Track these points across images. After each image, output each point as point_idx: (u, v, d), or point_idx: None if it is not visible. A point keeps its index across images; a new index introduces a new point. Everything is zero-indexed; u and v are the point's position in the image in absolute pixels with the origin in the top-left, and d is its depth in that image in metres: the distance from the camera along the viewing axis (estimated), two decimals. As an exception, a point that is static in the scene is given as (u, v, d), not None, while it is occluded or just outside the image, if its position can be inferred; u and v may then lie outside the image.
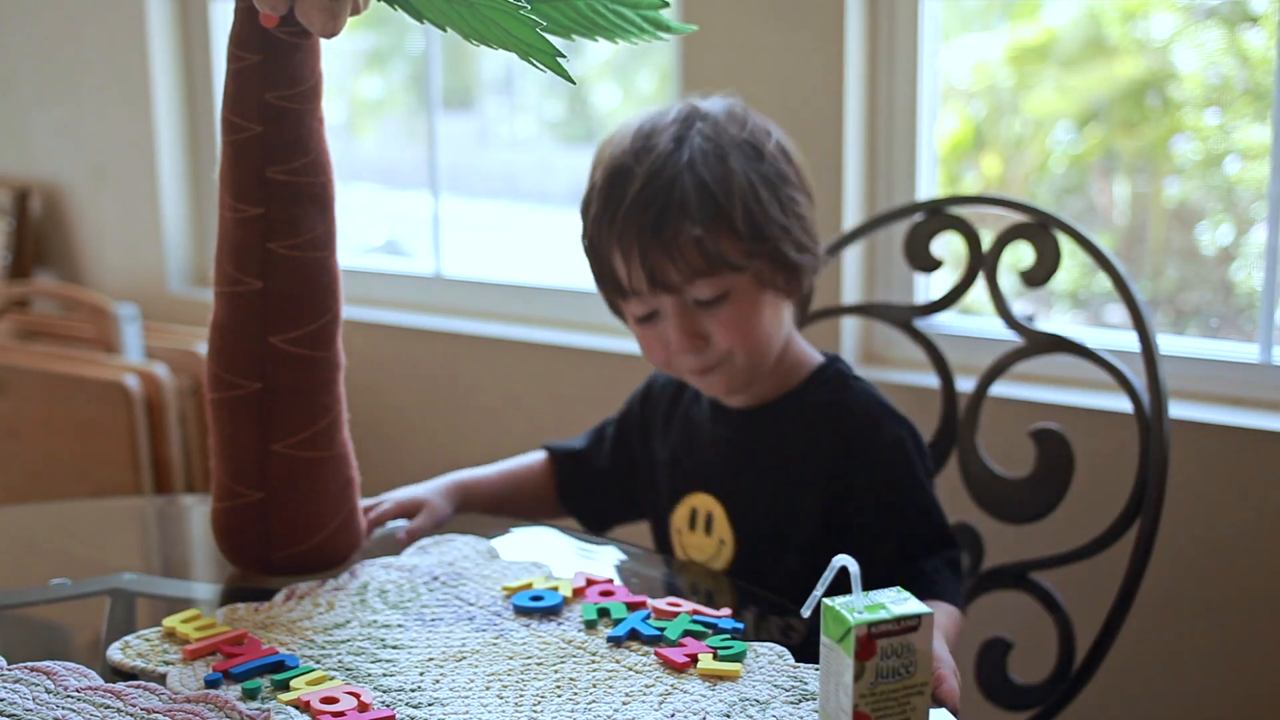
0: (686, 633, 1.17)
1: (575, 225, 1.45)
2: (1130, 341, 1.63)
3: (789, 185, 1.39)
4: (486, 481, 1.56)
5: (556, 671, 1.12)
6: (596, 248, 1.41)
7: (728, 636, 1.16)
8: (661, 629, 1.17)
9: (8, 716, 1.04)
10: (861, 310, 1.87)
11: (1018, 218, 1.69)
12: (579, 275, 2.70)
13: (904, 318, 1.79)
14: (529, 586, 1.27)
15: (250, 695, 1.07)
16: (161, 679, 1.11)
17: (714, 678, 1.10)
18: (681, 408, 1.52)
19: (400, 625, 1.20)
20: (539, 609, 1.22)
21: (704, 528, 1.47)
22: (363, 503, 1.45)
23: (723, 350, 1.38)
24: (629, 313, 1.43)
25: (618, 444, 1.59)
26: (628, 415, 1.59)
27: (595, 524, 1.60)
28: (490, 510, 1.54)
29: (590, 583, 1.27)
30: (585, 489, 1.60)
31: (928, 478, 1.41)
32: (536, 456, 1.61)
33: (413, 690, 1.09)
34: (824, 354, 1.48)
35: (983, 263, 1.70)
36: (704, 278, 1.35)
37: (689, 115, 1.39)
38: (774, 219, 1.36)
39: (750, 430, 1.45)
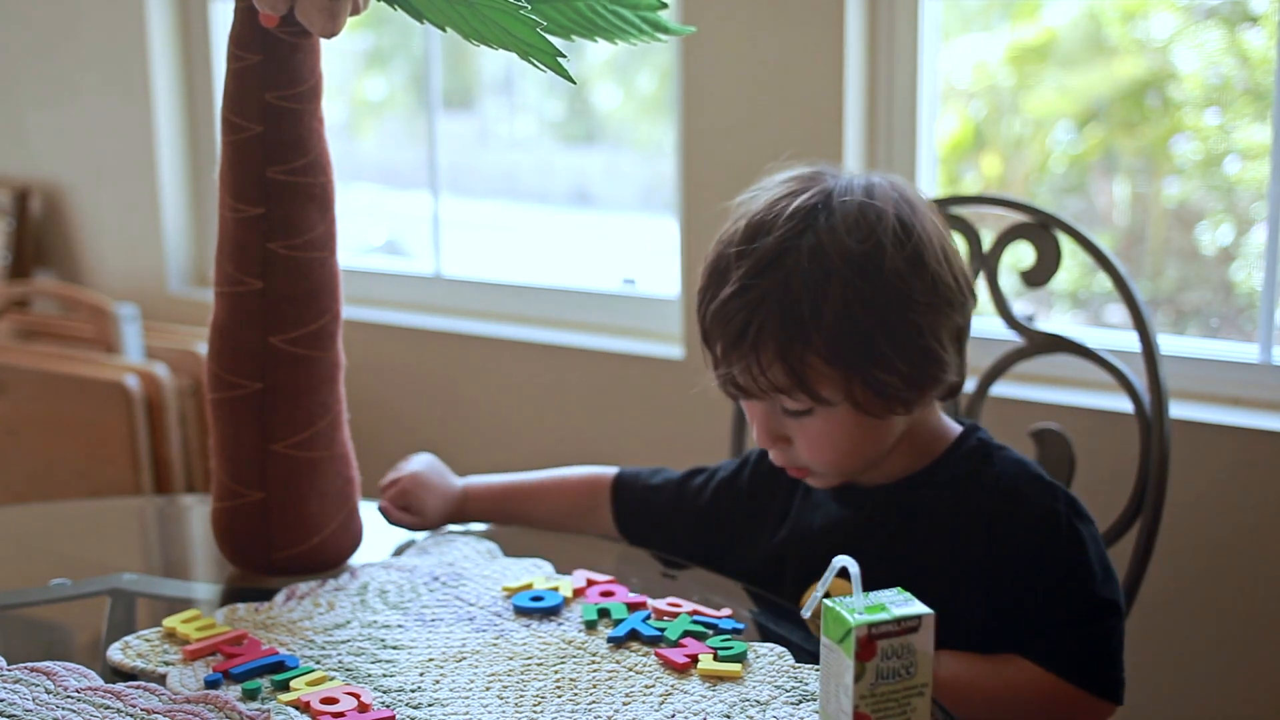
0: (686, 633, 1.17)
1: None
2: (1130, 341, 1.63)
3: (909, 307, 1.23)
4: (498, 498, 1.49)
5: (556, 672, 1.12)
6: (698, 322, 1.30)
7: (728, 637, 1.16)
8: (661, 629, 1.17)
9: (8, 717, 1.04)
10: (861, 310, 1.86)
11: (1018, 218, 1.69)
12: (579, 275, 2.70)
13: (904, 318, 1.79)
14: (529, 587, 1.27)
15: (250, 696, 1.07)
16: (161, 679, 1.11)
17: (714, 678, 1.10)
18: (801, 486, 1.38)
19: (400, 625, 1.20)
20: (539, 609, 1.22)
21: None
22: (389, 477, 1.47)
23: (804, 460, 1.29)
24: None
25: (709, 512, 1.44)
26: (730, 486, 1.44)
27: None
28: (514, 519, 1.49)
29: (591, 583, 1.27)
30: (658, 543, 1.45)
31: (1094, 543, 1.26)
32: (584, 478, 1.50)
33: (413, 690, 1.09)
34: (962, 423, 1.35)
35: (983, 263, 1.70)
36: (785, 394, 1.24)
37: (811, 210, 1.24)
38: (874, 351, 1.22)
39: (879, 510, 1.31)
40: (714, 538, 1.43)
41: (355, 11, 1.21)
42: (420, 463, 1.49)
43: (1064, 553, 1.25)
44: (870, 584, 1.01)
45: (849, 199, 1.25)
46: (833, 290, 1.21)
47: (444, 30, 1.16)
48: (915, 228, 1.24)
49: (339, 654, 1.15)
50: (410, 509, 1.45)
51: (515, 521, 1.49)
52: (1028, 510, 1.26)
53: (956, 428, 1.34)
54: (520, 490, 1.51)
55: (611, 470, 1.50)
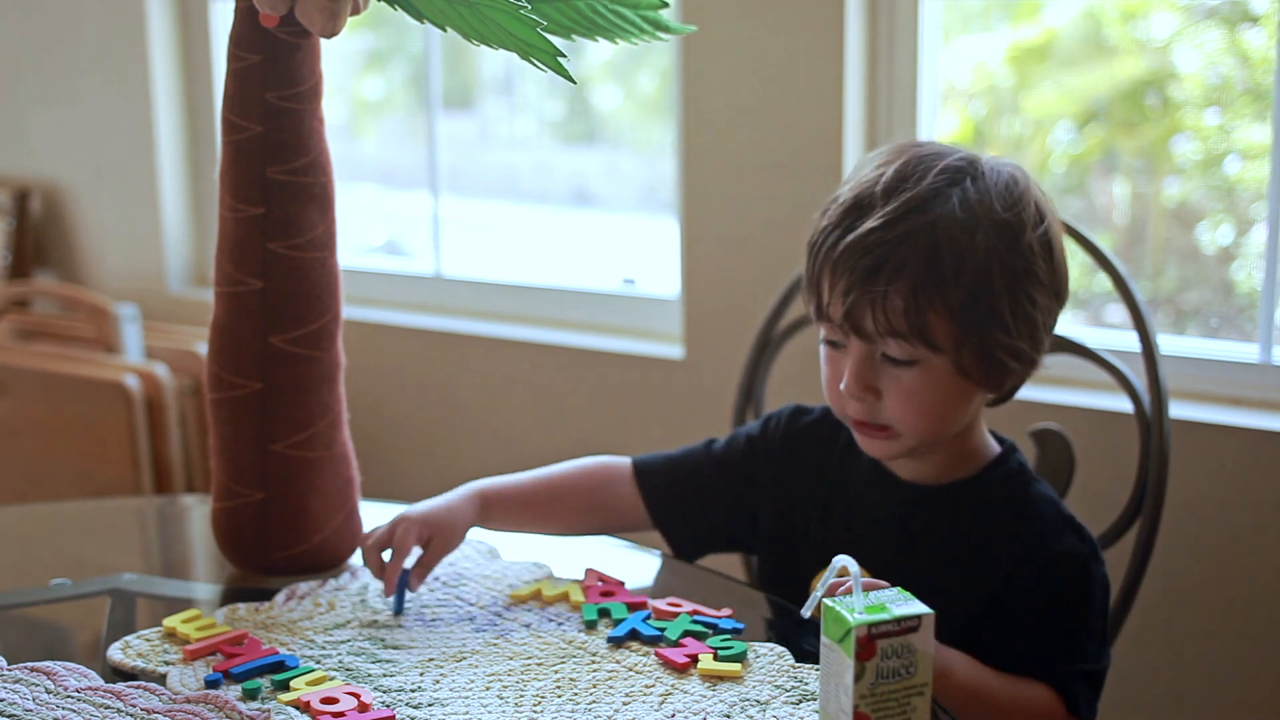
0: (687, 633, 1.17)
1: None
2: (1130, 341, 1.63)
3: (1033, 283, 1.26)
4: (516, 488, 1.38)
5: (556, 672, 1.12)
6: (815, 258, 1.29)
7: (728, 636, 1.16)
8: (661, 629, 1.17)
9: (8, 716, 1.04)
10: (861, 310, 1.86)
11: (1018, 218, 1.69)
12: (579, 275, 2.70)
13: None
14: (538, 592, 1.26)
15: (250, 695, 1.07)
16: (161, 679, 1.11)
17: (714, 678, 1.10)
18: (835, 458, 1.38)
19: (400, 625, 1.20)
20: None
21: None
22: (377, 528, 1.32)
23: (889, 415, 1.27)
24: (821, 329, 1.31)
25: (738, 467, 1.42)
26: (761, 443, 1.42)
27: (690, 550, 1.43)
28: (525, 523, 1.39)
29: (603, 579, 1.28)
30: (686, 509, 1.42)
31: (1103, 593, 1.30)
32: (599, 461, 1.44)
33: (413, 690, 1.09)
34: (1000, 441, 1.37)
35: (983, 263, 1.70)
36: (899, 339, 1.24)
37: (961, 169, 1.27)
38: (997, 313, 1.24)
39: (920, 510, 1.32)
40: (744, 495, 1.41)
41: (355, 11, 1.21)
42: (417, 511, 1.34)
43: (1082, 596, 1.28)
44: (902, 579, 1.03)
45: (998, 169, 1.29)
46: (977, 244, 1.23)
47: (444, 30, 1.16)
48: (1048, 214, 1.29)
49: (339, 654, 1.15)
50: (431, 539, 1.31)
51: (533, 528, 1.40)
52: (1062, 548, 1.28)
53: (997, 446, 1.36)
54: (538, 491, 1.40)
55: (621, 458, 1.45)
